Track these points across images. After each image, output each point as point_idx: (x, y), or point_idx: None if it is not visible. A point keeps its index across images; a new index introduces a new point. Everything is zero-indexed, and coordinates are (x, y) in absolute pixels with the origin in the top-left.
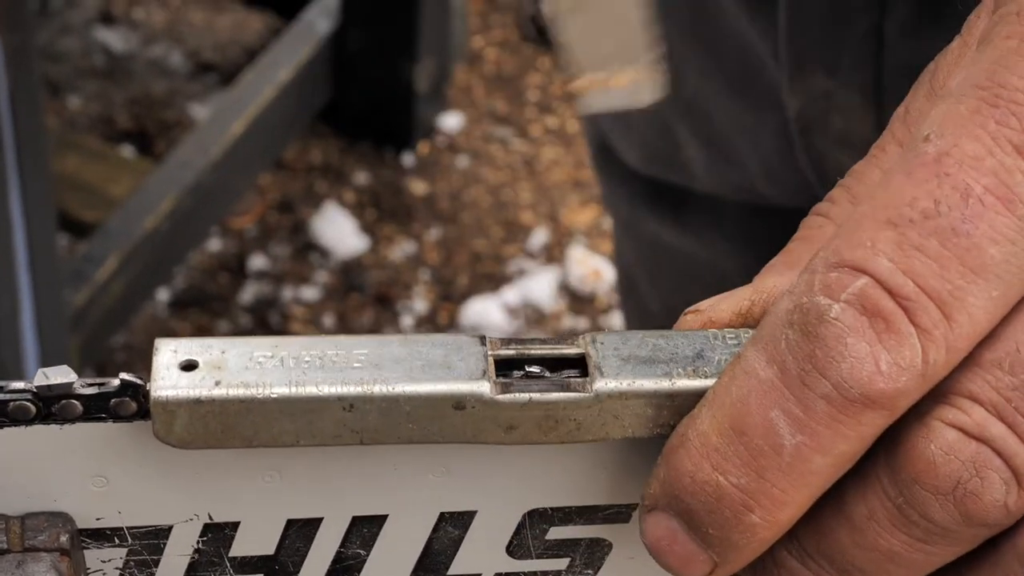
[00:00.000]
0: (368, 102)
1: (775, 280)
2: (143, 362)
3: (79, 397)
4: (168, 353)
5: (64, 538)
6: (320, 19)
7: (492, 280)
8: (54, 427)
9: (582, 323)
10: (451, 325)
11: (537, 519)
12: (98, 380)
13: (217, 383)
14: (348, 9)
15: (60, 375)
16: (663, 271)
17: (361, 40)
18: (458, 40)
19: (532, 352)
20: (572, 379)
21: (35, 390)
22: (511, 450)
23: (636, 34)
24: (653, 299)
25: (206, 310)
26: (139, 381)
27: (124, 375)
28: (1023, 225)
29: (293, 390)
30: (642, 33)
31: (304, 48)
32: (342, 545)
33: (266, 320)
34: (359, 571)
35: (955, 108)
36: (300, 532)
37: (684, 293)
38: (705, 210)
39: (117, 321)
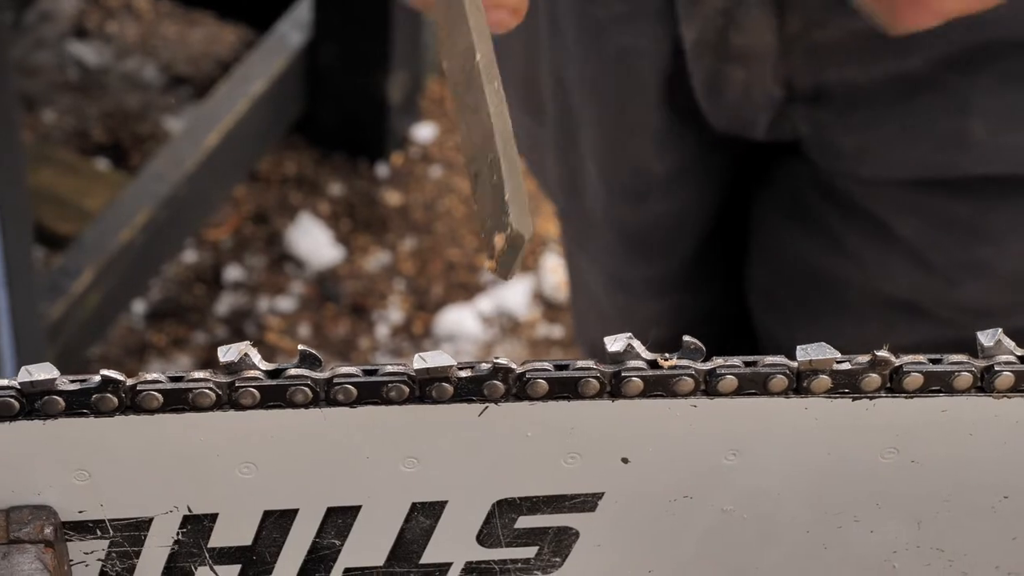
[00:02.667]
0: (342, 114)
1: None
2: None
3: (61, 393)
4: None
5: (48, 530)
6: (293, 32)
7: (466, 289)
8: (37, 422)
9: (556, 331)
10: (426, 334)
11: (506, 508)
12: (80, 376)
13: None
14: (321, 22)
15: (43, 371)
16: None
17: (334, 52)
18: (431, 52)
19: None
20: None
21: (18, 386)
22: (480, 440)
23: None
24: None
25: (182, 321)
26: (120, 377)
27: (105, 371)
28: None
29: None
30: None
31: (277, 61)
32: (317, 535)
33: (242, 331)
34: (334, 561)
35: None
36: (277, 523)
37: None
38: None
39: (93, 333)
